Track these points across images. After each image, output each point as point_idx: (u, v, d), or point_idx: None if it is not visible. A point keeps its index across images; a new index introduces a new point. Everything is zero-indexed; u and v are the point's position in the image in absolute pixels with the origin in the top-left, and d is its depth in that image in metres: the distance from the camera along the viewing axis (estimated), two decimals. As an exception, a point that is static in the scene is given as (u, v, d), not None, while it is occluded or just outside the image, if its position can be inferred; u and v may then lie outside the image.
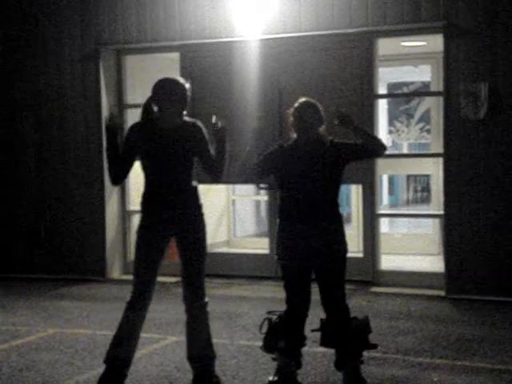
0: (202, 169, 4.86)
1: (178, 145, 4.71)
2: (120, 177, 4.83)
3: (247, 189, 10.42)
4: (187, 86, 4.74)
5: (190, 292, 4.76)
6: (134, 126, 4.83)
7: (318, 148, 4.66)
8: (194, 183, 4.82)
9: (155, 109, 4.73)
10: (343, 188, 13.02)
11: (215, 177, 4.86)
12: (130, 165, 4.79)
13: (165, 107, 4.69)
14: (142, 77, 8.99)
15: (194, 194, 4.80)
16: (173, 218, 4.72)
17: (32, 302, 7.68)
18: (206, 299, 4.81)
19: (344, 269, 4.72)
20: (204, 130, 4.83)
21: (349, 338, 4.67)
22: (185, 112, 4.77)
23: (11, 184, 9.18)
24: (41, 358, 5.63)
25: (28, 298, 7.87)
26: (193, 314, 4.77)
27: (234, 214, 10.34)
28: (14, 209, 9.16)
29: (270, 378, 4.78)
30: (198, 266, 4.76)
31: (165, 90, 4.68)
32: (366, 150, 4.74)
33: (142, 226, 4.77)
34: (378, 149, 4.77)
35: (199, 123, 4.84)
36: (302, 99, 4.79)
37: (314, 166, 4.63)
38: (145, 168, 4.78)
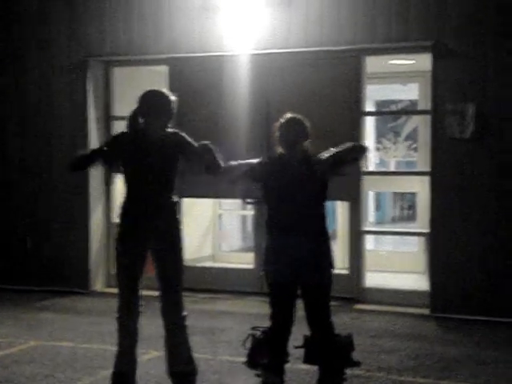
0: (199, 167, 4.78)
1: (160, 157, 4.70)
2: (80, 163, 4.83)
3: (233, 203, 10.39)
4: (173, 98, 4.74)
5: (168, 306, 4.73)
6: (124, 133, 4.83)
7: (302, 163, 4.67)
8: (175, 198, 4.80)
9: (140, 120, 4.72)
10: (329, 204, 12.99)
11: (213, 167, 4.74)
12: (97, 156, 4.78)
13: (150, 119, 4.68)
14: (129, 89, 8.94)
15: (173, 209, 4.78)
16: (151, 231, 4.69)
17: (14, 313, 7.60)
18: (185, 313, 4.78)
19: (330, 284, 4.70)
20: (187, 137, 4.81)
21: (332, 355, 4.65)
22: (169, 124, 4.75)
23: (-4, 195, 9.11)
24: (22, 370, 5.57)
25: (10, 309, 7.80)
26: (171, 328, 4.75)
27: (219, 229, 10.30)
28: (0, 219, 9.10)
29: None
30: (176, 281, 4.73)
31: (151, 102, 4.69)
32: (347, 160, 4.74)
33: (121, 238, 4.75)
34: (360, 156, 4.85)
35: (180, 132, 4.82)
36: (289, 115, 4.81)
37: (299, 180, 4.63)
38: (126, 179, 4.77)
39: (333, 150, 4.67)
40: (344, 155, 4.69)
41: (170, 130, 4.80)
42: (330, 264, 4.68)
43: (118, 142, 4.79)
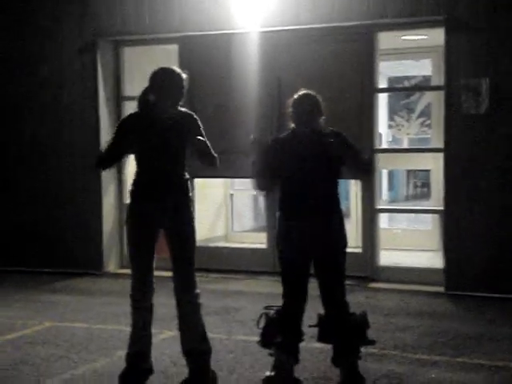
0: (198, 158, 4.76)
1: (172, 134, 4.67)
2: (106, 160, 4.78)
3: (245, 183, 10.36)
4: (184, 76, 4.69)
5: (181, 284, 4.72)
6: (131, 115, 4.81)
7: (316, 139, 4.60)
8: (187, 175, 4.77)
9: (152, 98, 4.68)
10: (342, 183, 12.94)
11: (210, 162, 4.73)
12: (119, 151, 4.72)
13: (161, 96, 4.64)
14: (139, 69, 8.90)
15: (185, 186, 4.75)
16: (163, 208, 4.67)
17: (28, 295, 7.63)
18: (198, 290, 4.77)
19: (344, 262, 4.67)
20: (199, 122, 4.77)
21: (347, 333, 4.62)
22: (181, 102, 4.71)
23: (7, 176, 9.12)
24: (36, 351, 5.59)
25: (24, 291, 7.83)
26: (184, 306, 4.74)
27: (232, 209, 10.28)
28: (10, 202, 9.10)
29: (267, 374, 4.74)
30: (188, 258, 4.72)
31: (162, 79, 4.64)
32: (357, 166, 4.74)
33: (133, 215, 4.73)
34: (364, 174, 5.00)
35: (195, 115, 4.79)
36: (302, 91, 4.74)
37: (312, 157, 4.58)
38: (137, 157, 4.73)
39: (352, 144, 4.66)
40: (359, 156, 4.67)
41: (183, 109, 4.76)
42: (342, 241, 4.65)
43: (126, 126, 4.74)
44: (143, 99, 4.71)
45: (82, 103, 8.71)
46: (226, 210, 10.22)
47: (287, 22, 7.91)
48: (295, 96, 4.72)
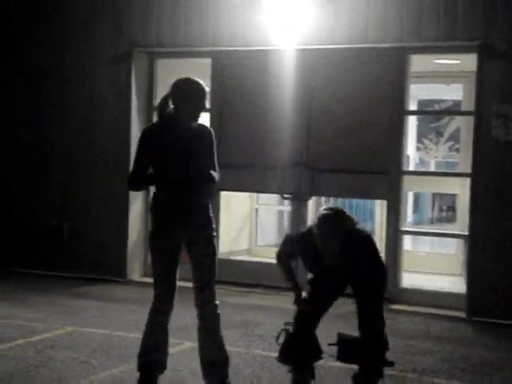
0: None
1: (193, 145, 4.64)
2: (135, 181, 4.77)
3: (271, 198, 10.39)
4: (207, 88, 4.70)
5: (202, 295, 4.74)
6: (150, 127, 4.84)
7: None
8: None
9: (171, 107, 4.65)
10: (368, 203, 12.92)
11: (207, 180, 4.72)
12: (145, 167, 4.70)
13: (181, 106, 4.60)
14: (172, 81, 9.00)
15: (206, 198, 4.76)
16: (187, 223, 4.69)
17: (51, 299, 7.71)
18: (217, 302, 4.79)
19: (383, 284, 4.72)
20: (213, 138, 4.76)
21: (369, 354, 4.62)
22: (200, 115, 4.69)
23: (37, 182, 9.23)
24: (57, 355, 5.65)
25: (48, 295, 7.90)
26: (206, 317, 4.76)
27: (256, 223, 10.31)
28: (38, 206, 9.22)
29: None
30: (210, 269, 4.75)
31: (184, 89, 4.62)
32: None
33: (156, 234, 4.73)
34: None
35: (211, 129, 4.80)
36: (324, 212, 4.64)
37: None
38: (157, 169, 4.68)
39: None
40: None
41: (201, 123, 4.76)
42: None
43: (146, 139, 4.70)
44: (163, 108, 4.68)
45: (115, 113, 8.80)
46: (251, 224, 10.25)
47: (322, 41, 7.95)
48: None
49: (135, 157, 4.74)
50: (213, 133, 4.78)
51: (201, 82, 4.70)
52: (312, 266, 4.74)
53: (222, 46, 8.38)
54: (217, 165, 4.77)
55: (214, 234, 4.81)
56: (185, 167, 4.62)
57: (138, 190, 5.52)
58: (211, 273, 4.76)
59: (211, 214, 4.80)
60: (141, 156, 4.70)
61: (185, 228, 4.69)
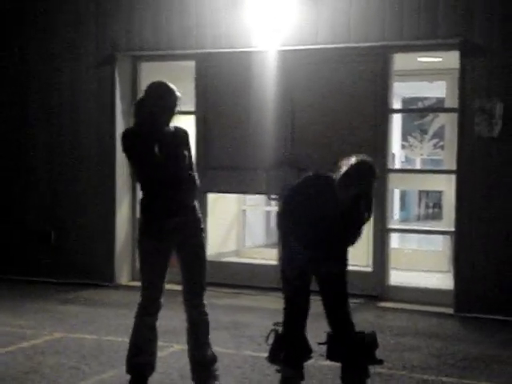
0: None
1: (175, 148, 4.68)
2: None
3: (258, 199, 10.41)
4: (179, 94, 4.72)
5: (193, 297, 4.76)
6: (128, 131, 4.86)
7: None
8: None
9: (145, 111, 4.70)
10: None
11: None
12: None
13: (155, 110, 4.64)
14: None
15: (192, 199, 4.78)
16: (176, 226, 4.71)
17: (40, 305, 7.69)
18: (205, 302, 4.83)
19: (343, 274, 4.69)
20: (189, 138, 4.83)
21: (355, 352, 4.64)
22: (173, 118, 4.72)
23: (22, 187, 9.20)
24: (46, 361, 5.64)
25: (36, 301, 7.88)
26: (196, 318, 4.78)
27: (244, 224, 10.32)
28: (25, 212, 9.19)
29: None
30: (200, 270, 4.76)
31: (160, 93, 4.67)
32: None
33: (145, 236, 4.76)
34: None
35: (187, 131, 4.84)
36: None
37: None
38: (140, 174, 4.74)
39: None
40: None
41: (177, 125, 4.80)
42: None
43: (129, 140, 4.73)
44: (139, 112, 4.71)
45: (99, 116, 8.80)
46: (238, 226, 10.26)
47: (304, 42, 7.98)
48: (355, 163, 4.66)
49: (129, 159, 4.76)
50: (187, 133, 4.83)
51: (173, 86, 4.76)
52: (311, 215, 4.63)
53: (206, 48, 8.38)
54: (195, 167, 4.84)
55: (204, 235, 4.84)
56: (170, 169, 4.64)
57: None
58: (201, 274, 4.78)
59: (199, 215, 4.82)
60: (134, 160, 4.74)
61: (175, 229, 4.70)
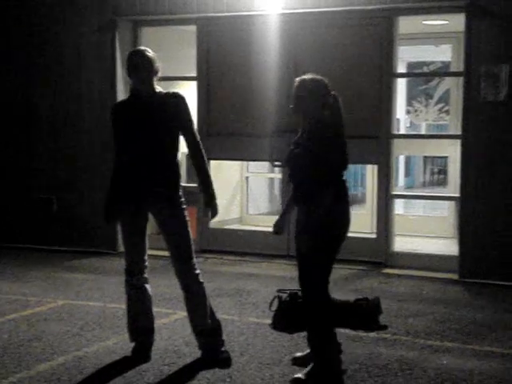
0: (190, 156, 4.80)
1: (153, 115, 4.64)
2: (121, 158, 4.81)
3: (261, 166, 10.36)
4: (150, 54, 4.69)
5: (181, 266, 4.74)
6: (116, 103, 5.06)
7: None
8: (176, 160, 4.74)
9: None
10: (358, 168, 12.87)
11: (197, 161, 4.73)
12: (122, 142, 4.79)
13: (132, 78, 4.69)
14: (158, 49, 8.84)
15: (173, 172, 4.71)
16: (148, 196, 4.71)
17: (43, 273, 7.69)
18: (198, 271, 4.79)
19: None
20: (185, 102, 4.71)
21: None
22: (154, 81, 4.66)
23: (24, 156, 9.16)
24: (50, 328, 5.64)
25: (39, 269, 7.89)
26: (189, 286, 4.77)
27: (247, 192, 10.28)
28: (27, 179, 9.16)
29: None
30: (184, 238, 4.71)
31: (129, 61, 4.69)
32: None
33: (120, 200, 4.78)
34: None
35: (181, 94, 4.74)
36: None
37: None
38: (118, 140, 4.77)
39: None
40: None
41: (171, 91, 4.74)
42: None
43: (114, 116, 4.82)
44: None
45: (100, 81, 8.71)
46: (241, 193, 10.23)
47: (307, 5, 7.85)
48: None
49: (114, 135, 4.81)
50: (182, 96, 4.72)
51: (144, 49, 4.76)
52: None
53: (207, 13, 8.27)
54: (196, 132, 4.76)
55: (182, 200, 4.74)
56: (149, 138, 4.62)
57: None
58: (186, 241, 4.72)
59: (179, 184, 4.74)
60: (116, 135, 4.78)
61: (149, 196, 4.69)
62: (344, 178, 4.58)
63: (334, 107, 4.55)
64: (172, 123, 4.67)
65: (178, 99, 4.68)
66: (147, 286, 4.89)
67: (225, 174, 9.60)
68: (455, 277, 7.44)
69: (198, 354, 4.91)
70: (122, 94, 8.66)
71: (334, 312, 4.60)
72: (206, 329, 4.80)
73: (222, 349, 4.86)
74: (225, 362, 4.79)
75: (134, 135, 4.67)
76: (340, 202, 4.49)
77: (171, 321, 5.78)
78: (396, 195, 8.33)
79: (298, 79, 4.58)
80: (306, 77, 4.56)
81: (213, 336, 4.83)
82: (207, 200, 4.72)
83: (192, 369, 4.78)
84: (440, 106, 16.45)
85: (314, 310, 4.52)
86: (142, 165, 4.66)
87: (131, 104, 4.74)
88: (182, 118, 4.68)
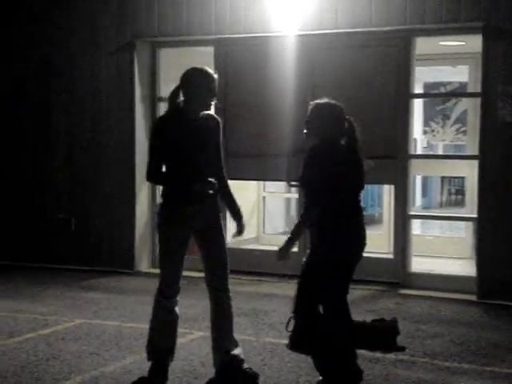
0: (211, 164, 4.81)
1: (204, 136, 4.67)
2: (153, 175, 4.77)
3: (278, 186, 10.36)
4: (215, 76, 4.68)
5: (218, 283, 4.75)
6: (161, 119, 4.85)
7: None
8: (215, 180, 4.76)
9: (181, 98, 4.68)
10: (375, 188, 12.84)
11: (224, 183, 4.83)
12: (160, 160, 4.74)
13: (190, 97, 4.62)
14: (176, 70, 8.93)
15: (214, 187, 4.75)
16: (197, 212, 4.69)
17: (61, 292, 7.72)
18: (229, 292, 4.82)
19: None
20: (221, 126, 4.79)
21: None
22: (212, 103, 4.69)
23: (43, 175, 9.23)
24: (67, 347, 5.66)
25: (57, 288, 7.92)
26: (222, 302, 4.77)
27: (264, 211, 10.29)
28: (46, 199, 9.23)
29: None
30: (223, 255, 4.77)
31: (192, 79, 4.62)
32: None
33: (167, 221, 4.74)
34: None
35: (219, 119, 4.81)
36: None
37: None
38: (169, 159, 4.70)
39: None
40: None
41: (210, 112, 4.76)
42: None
43: (159, 132, 4.72)
44: (173, 100, 4.69)
45: (119, 103, 8.79)
46: (258, 212, 10.24)
47: (325, 26, 7.90)
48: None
49: (150, 150, 4.75)
50: (220, 121, 4.80)
51: (210, 70, 4.69)
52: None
53: (224, 34, 8.33)
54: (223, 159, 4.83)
55: (222, 222, 4.82)
56: (199, 158, 4.64)
57: (157, 183, 5.54)
58: (225, 258, 4.78)
59: (219, 203, 4.81)
60: (156, 148, 4.71)
61: (195, 215, 4.69)
62: (355, 202, 4.59)
63: (349, 131, 4.57)
64: (212, 142, 4.72)
65: (218, 121, 4.77)
66: (176, 308, 4.84)
67: (242, 193, 9.56)
68: (473, 298, 7.39)
69: (213, 374, 4.88)
70: (140, 112, 8.75)
71: (351, 333, 4.59)
72: (230, 349, 4.77)
73: (245, 365, 4.84)
74: (253, 376, 4.76)
75: (189, 153, 4.63)
76: (340, 227, 4.49)
77: (187, 341, 5.78)
78: (413, 215, 8.31)
79: (312, 103, 4.61)
80: (321, 101, 4.58)
81: (235, 356, 4.80)
82: (236, 218, 4.80)
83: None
84: (457, 126, 16.44)
85: (332, 330, 4.52)
86: (196, 182, 4.65)
87: (180, 121, 4.66)
88: (217, 139, 4.75)
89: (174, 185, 4.73)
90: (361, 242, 4.58)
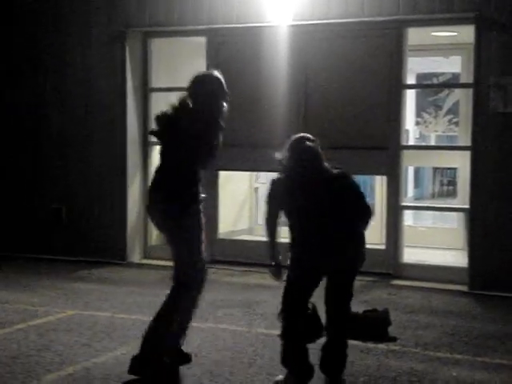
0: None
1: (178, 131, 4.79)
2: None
3: (270, 176, 10.35)
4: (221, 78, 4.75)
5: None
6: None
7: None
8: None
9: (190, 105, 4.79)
10: (367, 179, 12.82)
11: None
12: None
13: (204, 105, 4.81)
14: (167, 60, 8.94)
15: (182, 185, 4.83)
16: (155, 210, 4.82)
17: (52, 283, 7.70)
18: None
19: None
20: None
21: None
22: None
23: (35, 166, 9.20)
24: (59, 338, 5.65)
25: (48, 279, 7.90)
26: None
27: (256, 202, 10.28)
28: (37, 191, 9.20)
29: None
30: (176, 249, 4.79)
31: (204, 88, 4.83)
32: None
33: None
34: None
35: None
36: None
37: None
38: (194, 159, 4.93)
39: None
40: None
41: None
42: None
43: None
44: (183, 106, 4.89)
45: (110, 93, 8.76)
46: (251, 204, 10.23)
47: (317, 17, 7.88)
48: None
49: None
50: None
51: (216, 74, 5.02)
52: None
53: (217, 24, 8.30)
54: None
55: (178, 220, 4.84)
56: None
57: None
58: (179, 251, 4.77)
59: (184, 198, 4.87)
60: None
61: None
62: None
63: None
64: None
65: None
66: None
67: (234, 184, 9.61)
68: (465, 289, 7.41)
69: (202, 365, 4.88)
70: (131, 104, 8.71)
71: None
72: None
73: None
74: None
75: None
76: (296, 247, 4.76)
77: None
78: (405, 206, 8.32)
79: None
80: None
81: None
82: None
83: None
84: (449, 117, 16.46)
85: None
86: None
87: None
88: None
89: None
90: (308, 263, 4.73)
